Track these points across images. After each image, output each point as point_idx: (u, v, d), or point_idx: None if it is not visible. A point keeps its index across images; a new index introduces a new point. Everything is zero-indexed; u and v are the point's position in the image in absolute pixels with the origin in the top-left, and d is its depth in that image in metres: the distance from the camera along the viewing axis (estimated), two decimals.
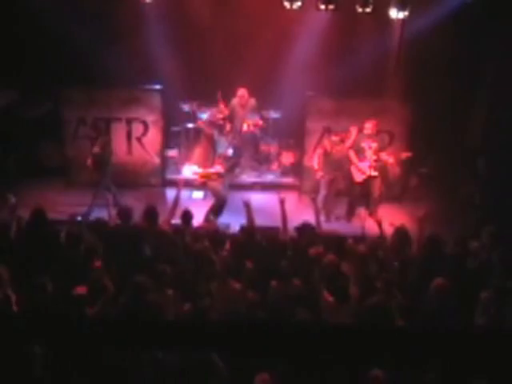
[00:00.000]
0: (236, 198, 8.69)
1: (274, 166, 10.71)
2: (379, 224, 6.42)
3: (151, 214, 6.55)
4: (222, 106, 10.05)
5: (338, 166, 9.12)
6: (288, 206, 6.99)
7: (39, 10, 8.66)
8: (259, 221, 6.91)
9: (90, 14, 9.50)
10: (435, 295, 5.03)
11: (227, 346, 2.66)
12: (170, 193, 9.46)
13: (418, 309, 5.10)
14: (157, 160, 10.27)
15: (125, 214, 6.53)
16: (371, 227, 7.43)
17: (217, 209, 8.38)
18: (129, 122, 10.01)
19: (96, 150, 8.84)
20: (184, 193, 9.06)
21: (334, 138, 9.15)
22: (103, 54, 9.74)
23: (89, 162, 8.88)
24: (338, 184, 9.21)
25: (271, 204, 9.32)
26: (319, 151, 9.26)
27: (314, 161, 9.37)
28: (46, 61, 9.87)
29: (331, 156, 9.08)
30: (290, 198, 9.51)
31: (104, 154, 8.88)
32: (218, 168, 8.53)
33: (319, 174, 9.17)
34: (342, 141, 9.06)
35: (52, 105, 10.09)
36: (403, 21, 8.83)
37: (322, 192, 9.17)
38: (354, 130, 8.99)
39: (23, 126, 9.94)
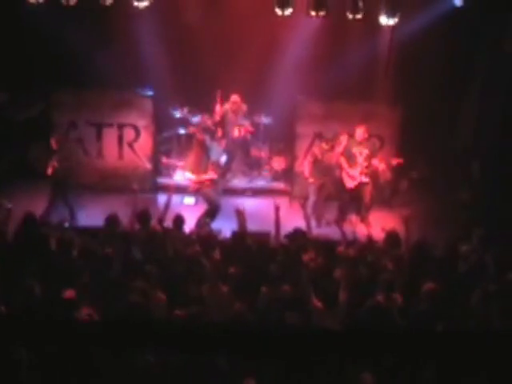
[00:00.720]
0: (227, 203, 8.71)
1: (265, 172, 10.71)
2: (370, 228, 6.43)
3: (143, 217, 6.61)
4: (217, 107, 10.04)
5: (327, 172, 9.17)
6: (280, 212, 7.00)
7: (30, 11, 8.68)
8: (250, 226, 6.95)
9: (82, 16, 9.51)
10: (426, 298, 5.01)
11: (218, 349, 2.66)
12: (162, 198, 9.34)
13: (408, 311, 5.12)
14: (148, 165, 10.26)
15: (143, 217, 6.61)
16: (362, 232, 7.42)
17: (210, 214, 8.39)
18: (120, 127, 10.01)
19: (54, 164, 8.68)
20: (175, 198, 9.00)
21: (325, 146, 9.19)
22: (95, 57, 9.75)
23: (49, 171, 8.73)
24: (327, 189, 9.23)
25: (262, 209, 9.41)
26: (310, 159, 9.31)
27: (304, 168, 9.41)
28: (37, 62, 9.89)
29: (321, 163, 9.13)
30: (281, 204, 9.50)
31: (61, 169, 8.73)
32: (212, 174, 8.56)
33: (310, 181, 9.21)
34: (332, 148, 9.10)
35: (43, 105, 10.05)
36: (393, 26, 8.85)
37: (312, 198, 9.20)
38: (344, 139, 9.02)
39: (13, 128, 9.95)
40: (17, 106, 10.12)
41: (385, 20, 8.13)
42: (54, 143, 8.77)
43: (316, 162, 9.15)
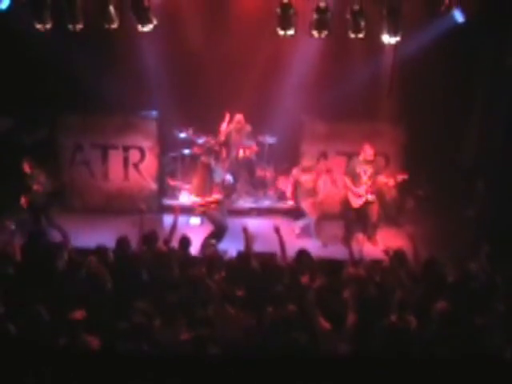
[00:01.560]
0: (233, 224, 8.68)
1: (271, 192, 10.69)
2: (377, 247, 6.37)
3: (150, 238, 6.63)
4: (223, 127, 10.11)
5: (309, 195, 9.28)
6: (285, 232, 6.98)
7: (34, 35, 8.75)
8: (256, 247, 6.92)
9: (86, 40, 9.52)
10: (438, 319, 4.94)
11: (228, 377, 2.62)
12: (167, 219, 9.44)
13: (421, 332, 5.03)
14: (153, 186, 10.27)
15: (149, 238, 6.60)
16: (369, 251, 7.33)
17: (216, 236, 8.36)
18: (125, 148, 10.05)
19: (36, 187, 8.58)
20: (181, 219, 8.99)
21: (302, 171, 9.32)
22: (99, 80, 9.81)
23: (23, 200, 8.63)
24: (319, 209, 9.30)
25: (268, 230, 9.19)
26: (291, 180, 9.44)
27: (287, 189, 9.59)
28: (41, 87, 9.94)
29: (301, 186, 9.25)
30: (287, 224, 9.49)
31: (37, 193, 8.65)
32: (216, 196, 8.55)
33: (291, 203, 9.44)
34: (310, 170, 9.26)
35: (48, 131, 10.12)
36: (395, 45, 8.88)
37: (310, 218, 9.22)
38: (322, 165, 9.45)
39: (20, 152, 9.89)
40: (23, 130, 10.19)
41: (387, 39, 8.12)
42: (26, 167, 8.63)
43: (297, 184, 9.29)
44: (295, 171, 9.36)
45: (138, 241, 6.66)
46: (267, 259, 6.52)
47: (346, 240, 8.62)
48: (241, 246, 6.94)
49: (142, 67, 10.15)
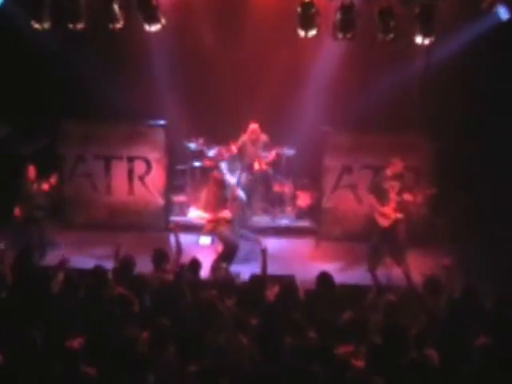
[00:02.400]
0: (246, 243, 8.68)
1: (289, 209, 10.65)
2: (407, 273, 6.26)
3: (158, 258, 6.66)
4: (232, 145, 10.15)
5: None
6: (304, 253, 6.90)
7: (34, 36, 8.82)
8: (272, 269, 6.86)
9: (91, 43, 9.69)
10: (479, 356, 4.79)
11: None
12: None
13: (457, 369, 4.88)
14: (160, 201, 10.26)
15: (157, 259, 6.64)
16: (398, 276, 7.22)
17: (227, 256, 8.26)
18: (130, 160, 10.10)
19: (37, 197, 8.68)
20: (190, 238, 9.17)
21: None
22: (104, 87, 9.89)
23: (17, 211, 8.70)
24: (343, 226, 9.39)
25: (285, 250, 9.33)
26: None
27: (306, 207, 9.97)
28: (43, 92, 10.02)
29: None
30: (307, 245, 9.65)
31: (25, 209, 8.73)
32: (227, 212, 8.49)
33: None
34: None
35: (49, 139, 10.19)
36: (428, 47, 8.79)
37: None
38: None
39: (20, 162, 9.92)
40: (22, 139, 10.21)
41: (420, 40, 7.99)
42: (31, 172, 8.77)
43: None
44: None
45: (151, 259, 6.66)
46: (284, 283, 6.43)
47: (372, 263, 8.67)
48: (254, 269, 6.91)
49: (150, 72, 10.22)
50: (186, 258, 6.93)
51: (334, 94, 10.25)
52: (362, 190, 9.59)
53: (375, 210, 8.83)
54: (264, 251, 6.74)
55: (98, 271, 6.31)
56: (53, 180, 8.86)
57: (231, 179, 9.71)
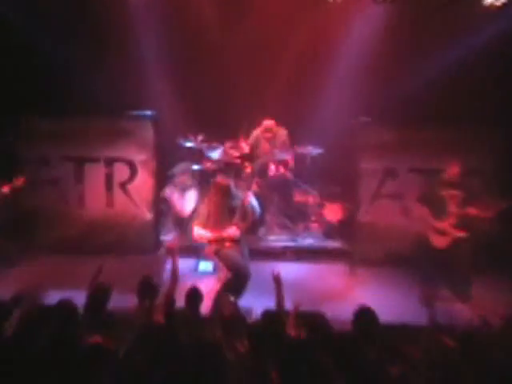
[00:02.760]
0: (261, 270, 8.57)
1: (315, 225, 10.68)
2: (474, 310, 6.15)
3: (145, 290, 6.73)
4: (242, 143, 10.39)
5: None
6: (335, 282, 6.88)
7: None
8: (293, 303, 6.75)
9: (66, 23, 9.87)
10: None
11: None
12: (168, 263, 9.29)
13: None
14: (148, 215, 10.23)
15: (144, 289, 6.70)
16: (460, 314, 7.40)
17: (235, 286, 8.16)
18: (109, 162, 10.12)
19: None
20: (186, 263, 9.22)
21: None
22: (80, 76, 10.24)
23: None
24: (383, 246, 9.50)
25: (311, 279, 9.32)
26: None
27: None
28: (5, 81, 10.23)
29: None
30: (338, 271, 9.71)
31: None
32: (234, 230, 8.43)
33: None
34: None
35: (11, 138, 10.32)
36: (502, 10, 8.68)
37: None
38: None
39: None
40: None
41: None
42: None
43: None
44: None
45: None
46: (311, 321, 6.34)
47: (425, 297, 8.61)
48: (271, 303, 6.79)
49: (137, 58, 10.47)
50: (181, 290, 6.91)
51: (370, 78, 10.43)
52: (411, 199, 9.56)
53: (428, 226, 8.84)
54: (277, 278, 6.75)
55: (66, 309, 6.23)
56: (18, 182, 8.97)
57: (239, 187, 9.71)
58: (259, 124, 10.41)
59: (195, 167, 10.65)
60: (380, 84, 10.36)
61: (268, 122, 10.24)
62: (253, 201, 8.84)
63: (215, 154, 10.49)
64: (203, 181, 10.49)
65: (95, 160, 10.11)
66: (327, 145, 10.55)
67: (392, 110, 10.20)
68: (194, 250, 9.32)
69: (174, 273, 7.07)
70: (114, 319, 6.33)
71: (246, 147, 10.45)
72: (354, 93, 10.49)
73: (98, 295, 6.53)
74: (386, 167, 10.00)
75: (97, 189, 10.16)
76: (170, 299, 6.77)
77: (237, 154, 10.38)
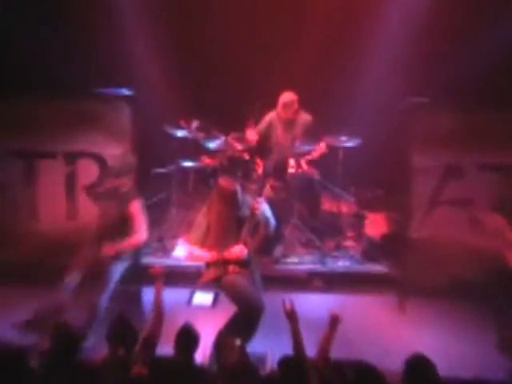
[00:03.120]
0: (278, 304, 8.19)
1: (350, 242, 10.69)
2: None
3: (118, 333, 6.66)
4: (251, 131, 10.49)
5: None
6: (380, 320, 8.01)
7: None
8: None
9: None
10: None
11: None
12: (150, 294, 8.95)
13: None
14: None
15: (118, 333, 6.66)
16: None
17: (242, 325, 8.06)
18: (71, 158, 10.05)
19: None
20: (177, 294, 9.28)
21: None
22: (40, 50, 10.47)
23: None
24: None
25: (345, 315, 9.08)
26: None
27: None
28: None
29: None
30: (383, 305, 9.73)
31: None
32: (241, 249, 8.32)
33: None
34: None
35: None
36: None
37: None
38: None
39: None
40: None
41: None
42: None
43: None
44: None
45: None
46: (348, 373, 6.33)
47: (503, 339, 8.66)
48: (288, 348, 6.73)
49: (111, 25, 10.73)
50: (169, 330, 6.88)
51: (423, 49, 10.77)
52: (482, 207, 9.71)
53: (506, 242, 8.93)
54: (290, 312, 6.73)
55: (14, 357, 6.15)
56: None
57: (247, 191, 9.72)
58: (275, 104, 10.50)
59: (188, 164, 10.71)
60: (435, 56, 10.74)
61: (287, 96, 10.26)
62: (266, 210, 8.71)
63: (216, 147, 10.57)
64: (200, 183, 10.69)
65: (51, 155, 10.04)
66: (367, 134, 10.60)
67: (451, 90, 10.35)
68: (188, 277, 9.29)
69: (158, 307, 7.13)
70: (80, 373, 6.32)
71: (255, 137, 10.50)
72: (400, 69, 10.77)
73: (62, 342, 6.46)
74: (447, 164, 9.98)
75: (54, 194, 10.05)
76: (152, 343, 6.77)
77: (244, 146, 10.46)
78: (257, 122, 10.55)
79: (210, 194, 8.73)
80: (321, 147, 10.37)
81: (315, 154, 10.40)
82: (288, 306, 6.76)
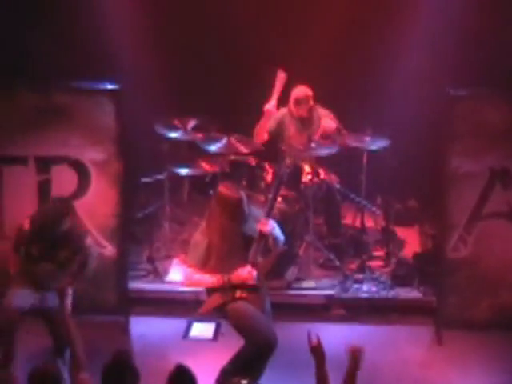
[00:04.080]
0: (291, 336, 8.70)
1: (377, 263, 10.82)
2: None
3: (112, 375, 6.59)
4: (269, 105, 10.55)
5: None
6: (411, 357, 8.06)
7: None
8: None
9: None
10: None
11: None
12: (138, 325, 9.68)
13: None
14: (109, 249, 10.09)
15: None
16: None
17: (250, 362, 8.11)
18: (43, 164, 10.03)
19: None
20: (172, 325, 9.59)
21: None
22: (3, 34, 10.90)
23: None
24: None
25: (371, 350, 9.01)
26: None
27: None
28: None
29: None
30: (417, 338, 9.74)
31: None
32: (247, 272, 8.34)
33: None
34: None
35: None
36: None
37: None
38: None
39: None
40: None
41: None
42: None
43: None
44: None
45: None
46: None
47: None
48: None
49: (95, 12, 10.98)
50: (160, 370, 6.87)
51: (465, 29, 10.82)
52: None
53: None
54: (317, 349, 6.58)
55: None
56: None
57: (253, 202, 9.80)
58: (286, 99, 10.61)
59: (183, 171, 10.76)
60: (479, 37, 10.90)
61: (300, 90, 10.35)
62: (275, 225, 8.74)
63: (216, 150, 10.58)
64: (197, 193, 11.07)
65: (20, 161, 9.98)
66: (396, 133, 10.70)
67: (505, 80, 10.51)
68: (184, 305, 9.49)
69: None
70: None
71: (261, 137, 10.59)
72: (437, 53, 11.07)
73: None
74: (493, 168, 9.81)
75: (23, 207, 9.86)
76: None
77: (250, 149, 10.46)
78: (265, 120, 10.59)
79: (208, 206, 8.74)
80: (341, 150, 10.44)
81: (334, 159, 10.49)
82: (314, 340, 6.66)
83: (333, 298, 10.22)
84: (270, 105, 10.50)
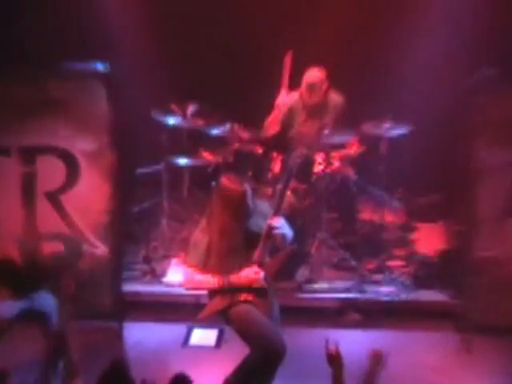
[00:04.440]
0: (303, 342, 8.85)
1: (398, 262, 10.81)
2: None
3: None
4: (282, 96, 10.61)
5: None
6: (435, 363, 8.20)
7: None
8: None
9: None
10: None
11: None
12: (134, 331, 9.71)
13: None
14: (101, 248, 10.07)
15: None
16: None
17: (257, 371, 8.01)
18: (28, 155, 10.01)
19: None
20: (167, 332, 9.65)
21: None
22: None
23: None
24: None
25: (393, 357, 8.93)
26: None
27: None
28: None
29: None
30: (441, 344, 9.70)
31: None
32: (253, 273, 8.24)
33: None
34: None
35: None
36: None
37: None
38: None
39: None
40: None
41: None
42: None
43: None
44: None
45: None
46: None
47: None
48: None
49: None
50: (160, 378, 6.64)
51: (488, 18, 10.94)
52: None
53: None
54: (334, 357, 6.55)
55: None
56: None
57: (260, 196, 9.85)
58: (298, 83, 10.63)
59: (182, 161, 10.85)
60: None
61: (312, 74, 10.33)
62: (286, 229, 8.64)
63: (218, 139, 10.78)
64: (198, 186, 11.11)
65: (3, 152, 9.96)
66: (418, 121, 10.67)
67: None
68: (184, 309, 9.51)
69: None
70: None
71: (272, 128, 10.58)
72: (457, 38, 11.16)
73: None
74: None
75: (7, 202, 9.99)
76: None
77: (255, 137, 10.53)
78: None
79: (210, 200, 8.61)
80: (357, 140, 10.46)
81: (350, 149, 10.45)
82: (333, 348, 6.62)
83: (348, 302, 10.19)
84: (282, 99, 10.54)
